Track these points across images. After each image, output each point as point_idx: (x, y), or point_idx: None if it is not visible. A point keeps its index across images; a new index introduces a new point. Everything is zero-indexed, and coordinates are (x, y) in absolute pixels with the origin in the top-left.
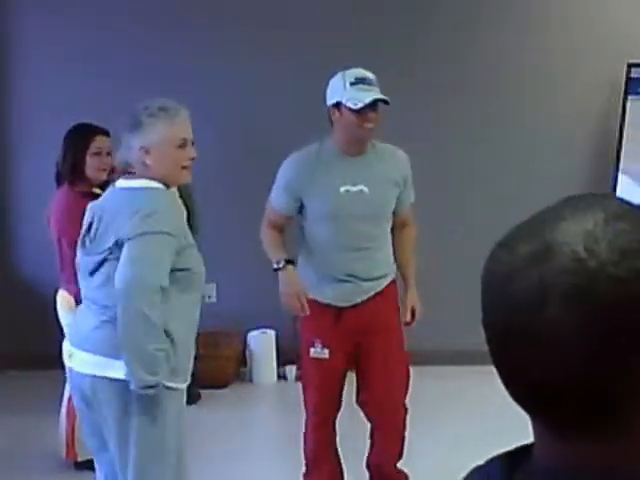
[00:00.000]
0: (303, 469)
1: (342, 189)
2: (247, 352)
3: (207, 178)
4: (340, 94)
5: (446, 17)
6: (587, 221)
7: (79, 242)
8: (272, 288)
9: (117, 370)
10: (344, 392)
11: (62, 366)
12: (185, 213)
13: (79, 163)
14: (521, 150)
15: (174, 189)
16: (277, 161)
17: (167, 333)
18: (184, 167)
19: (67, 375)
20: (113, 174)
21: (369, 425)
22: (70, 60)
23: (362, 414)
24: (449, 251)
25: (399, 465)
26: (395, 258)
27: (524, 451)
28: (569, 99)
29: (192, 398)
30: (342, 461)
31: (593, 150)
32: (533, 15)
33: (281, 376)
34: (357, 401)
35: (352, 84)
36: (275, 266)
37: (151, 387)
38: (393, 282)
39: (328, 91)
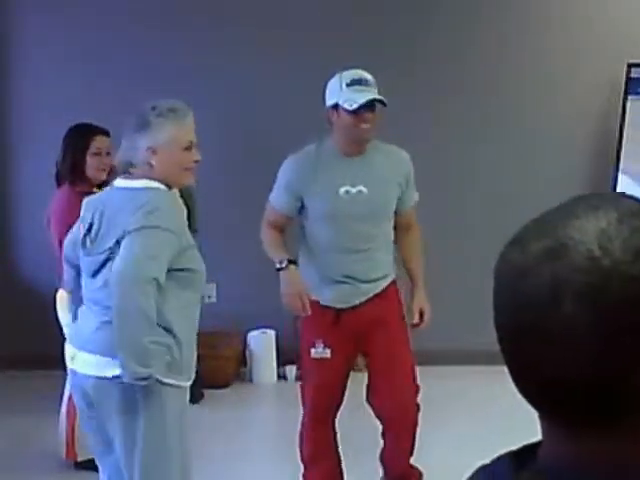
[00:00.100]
0: (303, 469)
1: (342, 190)
2: (247, 352)
3: (207, 178)
4: (337, 95)
5: (446, 17)
6: (600, 219)
7: (80, 243)
8: (272, 288)
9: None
10: (346, 391)
11: (62, 366)
12: (185, 212)
13: (79, 163)
14: (521, 150)
15: (175, 190)
16: (277, 161)
17: (171, 332)
18: (187, 169)
19: (69, 377)
20: (113, 174)
21: (373, 423)
22: (70, 60)
23: (364, 412)
24: (449, 251)
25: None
26: (403, 260)
27: (530, 450)
28: (569, 99)
29: (195, 397)
30: (342, 460)
31: (593, 150)
32: (533, 15)
33: (281, 376)
34: (367, 400)
35: (348, 85)
36: (278, 266)
37: (144, 379)
38: (393, 282)
39: (326, 93)
